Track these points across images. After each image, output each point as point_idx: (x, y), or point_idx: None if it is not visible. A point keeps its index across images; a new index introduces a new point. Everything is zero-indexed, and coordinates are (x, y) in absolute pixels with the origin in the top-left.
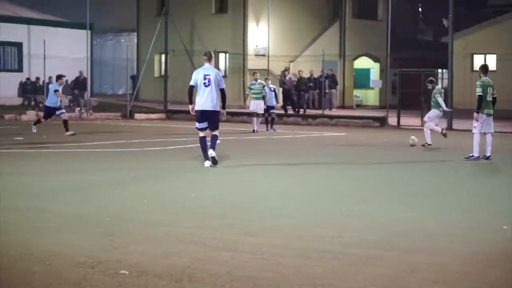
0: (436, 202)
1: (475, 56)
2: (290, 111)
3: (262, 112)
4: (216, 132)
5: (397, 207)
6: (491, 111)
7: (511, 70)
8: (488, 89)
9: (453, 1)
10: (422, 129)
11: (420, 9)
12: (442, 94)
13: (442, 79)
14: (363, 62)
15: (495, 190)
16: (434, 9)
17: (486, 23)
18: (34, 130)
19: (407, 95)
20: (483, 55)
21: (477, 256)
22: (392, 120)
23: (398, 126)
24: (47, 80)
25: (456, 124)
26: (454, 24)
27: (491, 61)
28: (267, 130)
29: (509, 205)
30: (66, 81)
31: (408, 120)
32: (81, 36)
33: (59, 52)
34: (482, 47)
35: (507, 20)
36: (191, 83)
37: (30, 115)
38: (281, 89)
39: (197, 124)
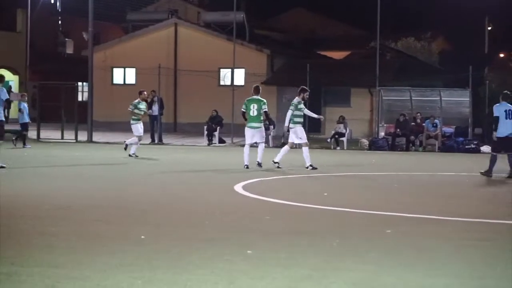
0: None
1: (114, 69)
2: None
3: None
4: None
5: None
6: None
7: (149, 83)
8: None
9: (93, 15)
10: (64, 142)
11: (60, 22)
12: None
13: (83, 92)
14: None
15: None
16: (75, 22)
17: (126, 37)
18: None
19: (48, 108)
20: (122, 69)
21: None
22: (32, 133)
23: (38, 139)
24: None
25: (96, 137)
26: (94, 38)
27: (131, 74)
28: None
29: None
30: None
31: (49, 133)
32: None
33: None
34: (121, 61)
35: (145, 35)
36: None
37: None
38: None
39: None
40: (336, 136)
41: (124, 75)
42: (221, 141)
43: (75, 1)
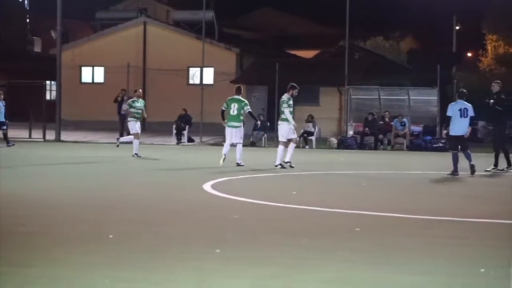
0: None
1: (83, 68)
2: None
3: None
4: None
5: None
6: None
7: (118, 82)
8: None
9: (61, 13)
10: (32, 141)
11: (28, 20)
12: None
13: (51, 90)
14: None
15: None
16: (43, 20)
17: (94, 36)
18: None
19: (16, 107)
20: (91, 67)
21: None
22: None
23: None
24: None
25: (64, 136)
26: (63, 36)
27: (99, 73)
28: None
29: None
30: None
31: (17, 133)
32: None
33: None
34: (90, 60)
35: (114, 33)
36: None
37: None
38: None
39: None
40: (305, 135)
41: (93, 74)
42: (190, 140)
43: (44, 0)
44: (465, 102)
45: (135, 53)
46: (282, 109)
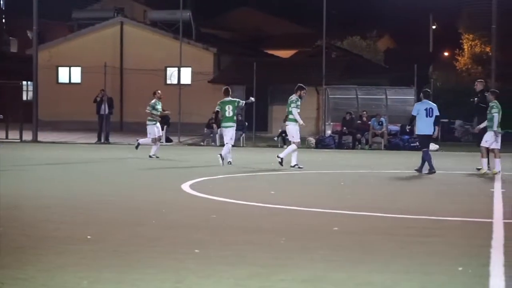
0: None
1: (60, 68)
2: None
3: None
4: None
5: None
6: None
7: (95, 82)
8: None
9: (37, 13)
10: (9, 142)
11: (3, 20)
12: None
13: (27, 91)
14: None
15: None
16: (19, 20)
17: (71, 36)
18: None
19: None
20: (68, 68)
21: None
22: None
23: None
24: None
25: (41, 137)
26: (39, 36)
27: (76, 73)
28: None
29: None
30: None
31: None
32: None
33: None
34: (67, 60)
35: (91, 33)
36: None
37: None
38: None
39: None
40: (283, 134)
41: (70, 74)
42: (168, 140)
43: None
44: (430, 102)
45: (112, 53)
46: (290, 109)
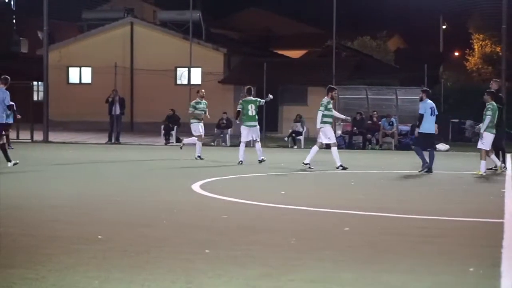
0: None
1: (70, 68)
2: None
3: None
4: None
5: None
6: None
7: (105, 82)
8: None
9: (47, 14)
10: (20, 142)
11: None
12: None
13: (38, 91)
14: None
15: None
16: (29, 21)
17: (81, 36)
18: None
19: None
20: (78, 68)
21: None
22: None
23: None
24: None
25: (52, 137)
26: (49, 37)
27: (87, 73)
28: None
29: None
30: None
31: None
32: None
33: None
34: (77, 60)
35: (101, 34)
36: None
37: None
38: None
39: None
40: (293, 134)
41: (80, 74)
42: (178, 140)
43: (30, 0)
44: (431, 101)
45: (122, 54)
46: (318, 111)
